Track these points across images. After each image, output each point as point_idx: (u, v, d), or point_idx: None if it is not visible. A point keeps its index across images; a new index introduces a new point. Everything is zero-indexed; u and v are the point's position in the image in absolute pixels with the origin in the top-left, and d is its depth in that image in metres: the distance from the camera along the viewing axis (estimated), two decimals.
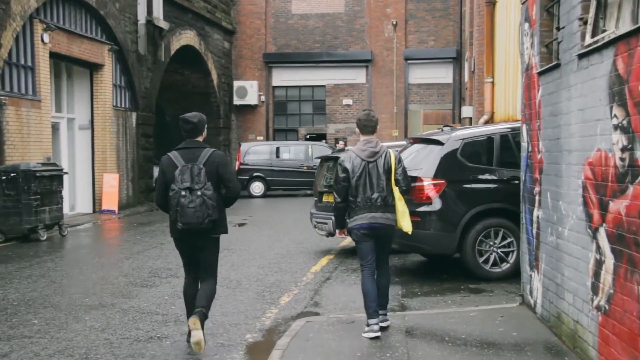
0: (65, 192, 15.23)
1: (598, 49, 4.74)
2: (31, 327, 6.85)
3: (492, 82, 17.27)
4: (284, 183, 25.25)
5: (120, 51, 19.69)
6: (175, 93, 27.49)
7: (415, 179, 8.64)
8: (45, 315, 7.36)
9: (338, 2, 30.17)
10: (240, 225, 15.86)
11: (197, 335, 5.62)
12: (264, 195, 24.87)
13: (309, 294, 8.37)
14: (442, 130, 9.58)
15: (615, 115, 4.43)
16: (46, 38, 15.92)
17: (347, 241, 11.84)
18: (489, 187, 8.77)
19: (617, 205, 4.44)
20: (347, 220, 6.28)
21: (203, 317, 5.82)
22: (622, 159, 4.35)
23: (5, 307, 7.77)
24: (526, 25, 6.98)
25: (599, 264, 4.81)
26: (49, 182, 13.77)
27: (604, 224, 4.69)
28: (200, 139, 6.05)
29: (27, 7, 15.17)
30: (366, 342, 5.95)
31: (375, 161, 6.15)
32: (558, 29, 5.92)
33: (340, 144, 28.30)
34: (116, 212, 18.68)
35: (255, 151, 25.53)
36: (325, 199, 11.17)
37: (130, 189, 20.68)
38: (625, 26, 4.50)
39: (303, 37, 30.38)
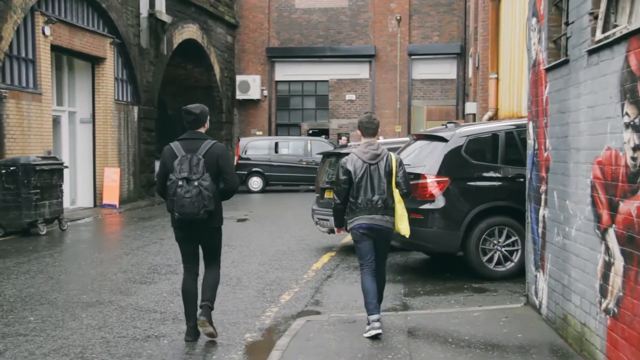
0: (66, 186, 15.15)
1: (609, 45, 4.61)
2: (27, 325, 6.74)
3: (497, 78, 17.14)
4: (283, 178, 25.11)
5: (122, 44, 19.57)
6: (177, 87, 27.39)
7: (419, 176, 8.53)
8: (41, 312, 7.25)
9: None
10: (242, 220, 15.76)
11: (207, 330, 5.96)
12: (262, 191, 24.75)
13: (310, 292, 8.25)
14: (446, 126, 9.45)
15: (626, 113, 4.30)
16: (47, 31, 15.79)
17: (349, 238, 11.67)
18: (494, 185, 8.65)
19: (628, 206, 4.31)
20: (347, 221, 6.33)
21: (210, 312, 5.98)
22: (633, 159, 4.22)
23: (2, 303, 7.66)
24: (534, 20, 6.84)
25: (607, 265, 4.69)
26: (49, 176, 13.67)
27: (614, 225, 4.56)
28: (202, 130, 6.08)
29: None
30: (367, 342, 5.84)
31: (377, 164, 6.19)
32: (567, 24, 5.78)
33: (343, 140, 28.21)
34: (117, 206, 18.58)
35: (254, 146, 25.39)
36: (327, 195, 11.07)
37: (132, 184, 20.58)
38: (639, 21, 4.36)
39: (306, 32, 30.23)
